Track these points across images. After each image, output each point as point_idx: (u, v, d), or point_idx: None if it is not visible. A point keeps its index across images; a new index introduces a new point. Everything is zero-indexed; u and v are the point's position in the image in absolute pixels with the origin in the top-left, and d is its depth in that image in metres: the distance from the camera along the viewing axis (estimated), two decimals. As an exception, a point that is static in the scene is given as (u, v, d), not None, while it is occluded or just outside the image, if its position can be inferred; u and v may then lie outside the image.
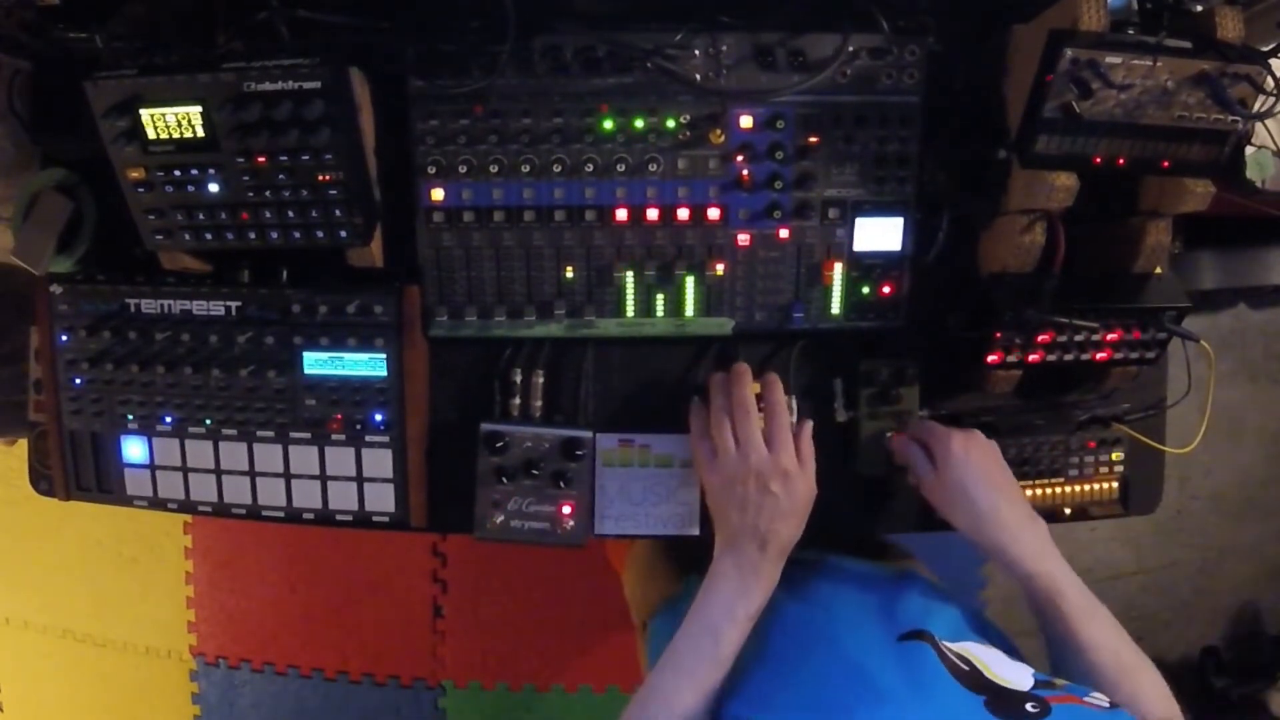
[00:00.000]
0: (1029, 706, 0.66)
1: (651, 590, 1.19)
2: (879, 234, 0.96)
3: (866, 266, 0.97)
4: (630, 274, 0.96)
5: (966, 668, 0.72)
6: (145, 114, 0.84)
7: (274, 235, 0.90)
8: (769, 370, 0.94)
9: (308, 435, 0.98)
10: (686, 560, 1.13)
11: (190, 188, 0.87)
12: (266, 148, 0.85)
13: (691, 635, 0.81)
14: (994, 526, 0.85)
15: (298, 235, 0.90)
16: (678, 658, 0.80)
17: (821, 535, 0.90)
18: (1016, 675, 0.72)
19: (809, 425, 0.88)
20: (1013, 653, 0.82)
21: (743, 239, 0.95)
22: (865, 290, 0.98)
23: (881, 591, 0.89)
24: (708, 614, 0.81)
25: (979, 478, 0.87)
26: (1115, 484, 1.05)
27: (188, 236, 0.91)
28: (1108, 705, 0.70)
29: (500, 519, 0.97)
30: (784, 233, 0.95)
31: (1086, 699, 0.70)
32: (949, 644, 0.75)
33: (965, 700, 0.68)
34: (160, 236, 0.92)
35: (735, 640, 0.80)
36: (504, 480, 0.97)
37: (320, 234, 0.90)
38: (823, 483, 1.01)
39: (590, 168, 0.93)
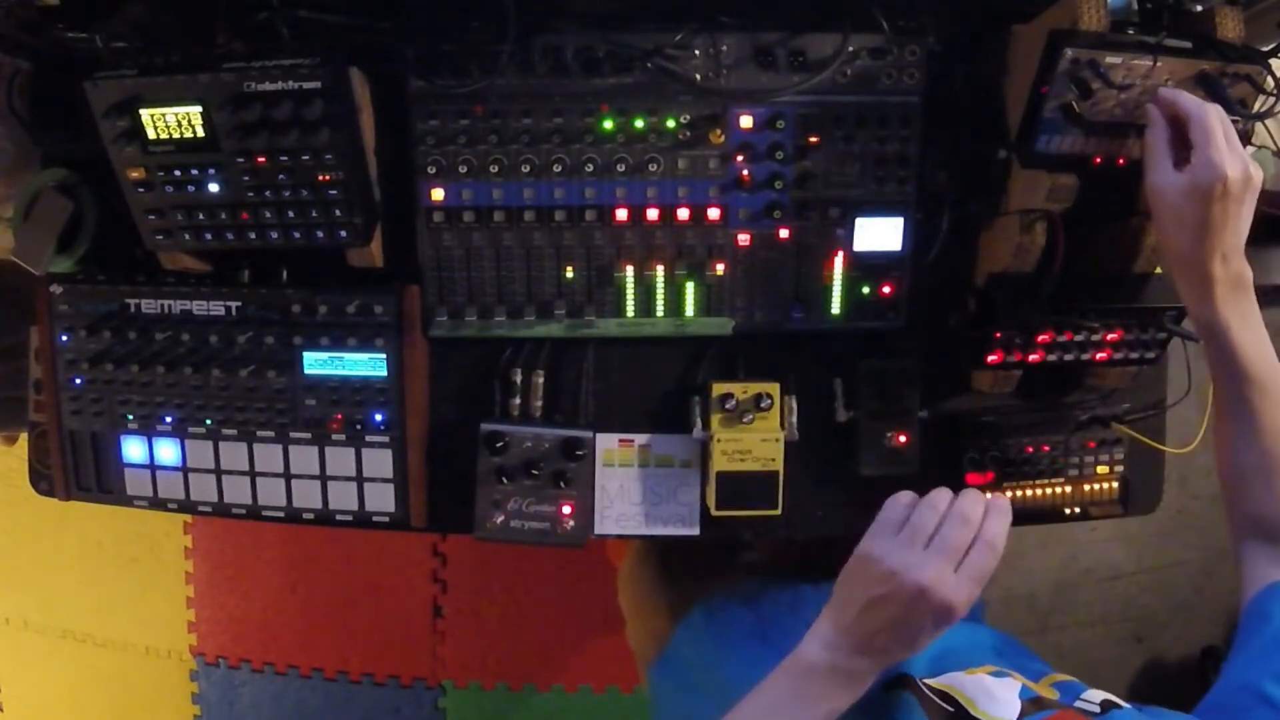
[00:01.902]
0: None
1: (643, 630, 1.17)
2: (879, 234, 0.96)
3: (866, 266, 0.97)
4: (630, 274, 0.96)
5: (951, 709, 0.69)
6: (145, 114, 0.84)
7: (274, 235, 0.90)
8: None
9: (308, 435, 0.98)
10: (676, 593, 1.12)
11: (190, 188, 0.87)
12: (266, 148, 0.85)
13: None
14: (1202, 266, 0.74)
15: (298, 235, 0.90)
16: None
17: (820, 540, 0.89)
18: (1002, 703, 0.69)
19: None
20: (1005, 652, 0.81)
21: (743, 239, 0.95)
22: (865, 290, 0.97)
23: None
24: (777, 709, 0.69)
25: (1231, 213, 0.73)
26: (1115, 484, 1.05)
27: (188, 236, 0.91)
28: (1098, 708, 0.69)
29: (500, 519, 0.97)
30: (784, 233, 0.95)
31: (1076, 704, 0.70)
32: (932, 682, 0.72)
33: None
34: (160, 236, 0.92)
35: None
36: (504, 480, 0.96)
37: (320, 234, 0.90)
38: (823, 483, 1.02)
39: (590, 168, 0.93)
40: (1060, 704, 0.70)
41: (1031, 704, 0.69)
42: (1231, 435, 0.78)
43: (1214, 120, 0.75)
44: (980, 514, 0.69)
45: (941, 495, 0.70)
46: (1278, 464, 0.75)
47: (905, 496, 0.72)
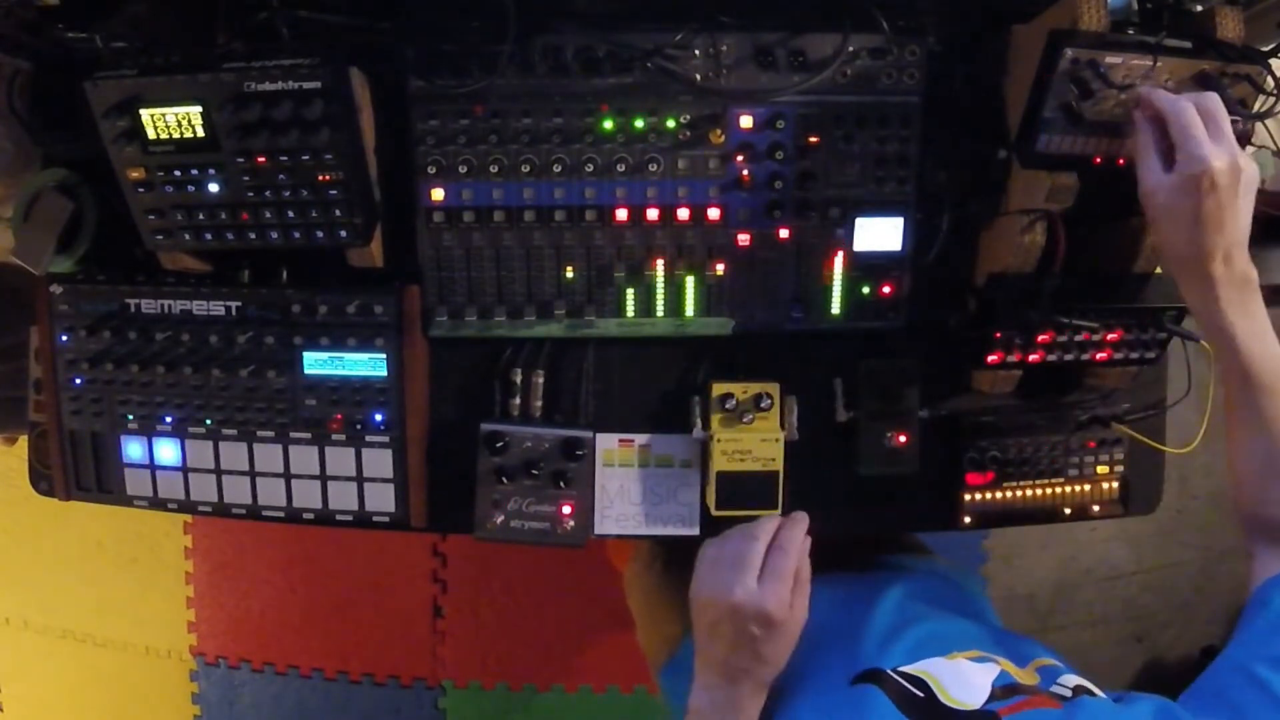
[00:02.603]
0: None
1: (654, 636, 1.17)
2: (879, 234, 0.96)
3: (866, 266, 0.97)
4: (630, 274, 0.96)
5: (921, 695, 0.69)
6: (145, 114, 0.84)
7: (274, 235, 0.90)
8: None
9: (308, 435, 0.98)
10: (686, 596, 1.12)
11: (190, 188, 0.87)
12: (266, 148, 0.85)
13: None
14: (1203, 267, 0.74)
15: (298, 235, 0.90)
16: None
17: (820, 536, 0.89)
18: (974, 689, 0.69)
19: (806, 545, 0.79)
20: (1002, 641, 0.80)
21: (743, 239, 0.95)
22: (865, 290, 0.97)
23: (847, 624, 0.84)
24: None
25: (1226, 207, 0.72)
26: (1115, 484, 1.05)
27: (188, 236, 0.91)
28: (1070, 692, 0.69)
29: (500, 519, 0.97)
30: (784, 233, 0.95)
31: (1052, 690, 0.69)
32: (906, 669, 0.73)
33: None
34: (160, 236, 0.92)
35: None
36: (504, 480, 0.96)
37: (320, 234, 0.90)
38: (823, 483, 1.01)
39: (590, 168, 0.93)
40: (1034, 689, 0.70)
41: (1004, 690, 0.69)
42: (1240, 437, 0.78)
43: (1190, 115, 0.74)
44: (773, 527, 0.78)
45: (736, 528, 0.80)
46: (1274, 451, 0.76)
47: (711, 541, 0.81)
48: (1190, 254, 0.75)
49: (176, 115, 0.84)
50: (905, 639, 0.80)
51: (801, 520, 0.80)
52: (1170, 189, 0.74)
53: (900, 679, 0.72)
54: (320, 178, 0.86)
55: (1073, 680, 0.71)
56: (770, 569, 0.75)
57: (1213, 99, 0.76)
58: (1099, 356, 0.96)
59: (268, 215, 0.89)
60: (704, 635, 0.77)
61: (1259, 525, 0.78)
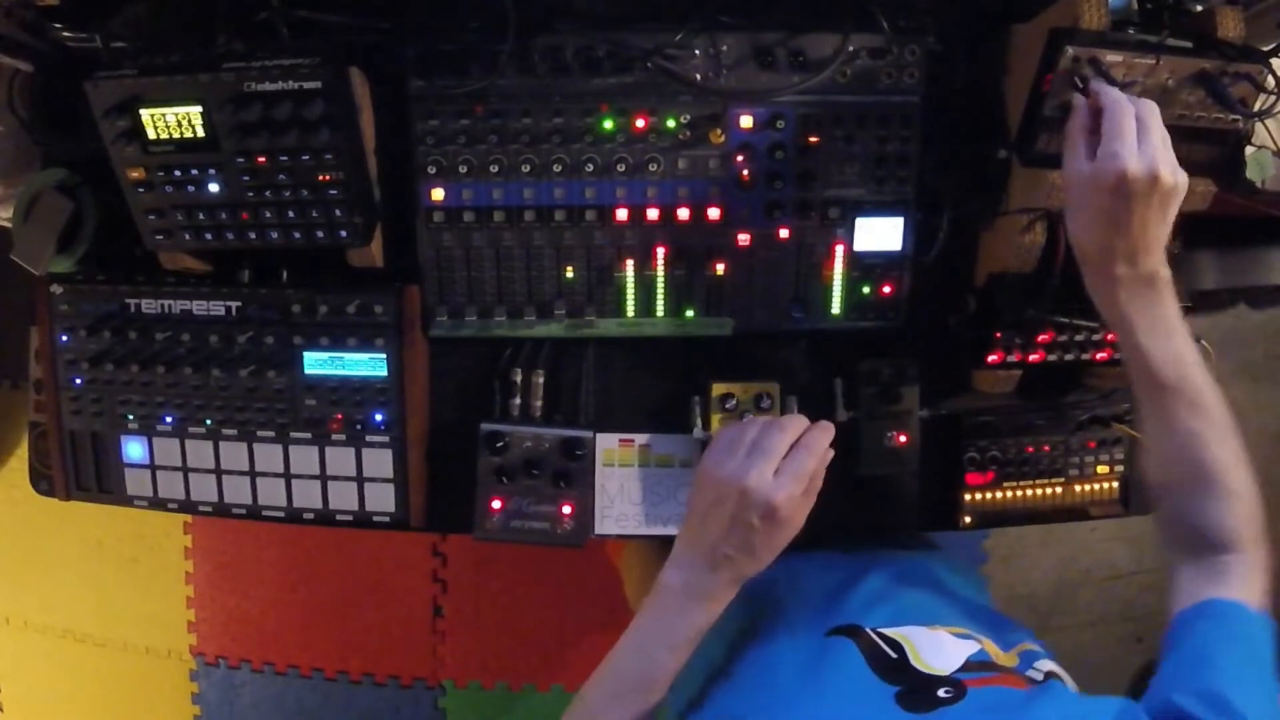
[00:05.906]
0: (941, 692, 0.63)
1: (640, 590, 1.19)
2: (879, 234, 0.96)
3: (866, 266, 0.97)
4: (630, 274, 0.96)
5: (894, 655, 0.69)
6: (145, 114, 0.84)
7: (274, 235, 0.90)
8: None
9: (308, 435, 0.98)
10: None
11: (190, 188, 0.87)
12: (266, 148, 0.85)
13: (624, 656, 0.74)
14: (1104, 262, 0.74)
15: (298, 235, 0.90)
16: (607, 679, 0.74)
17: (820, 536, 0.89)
18: (948, 657, 0.69)
19: (829, 456, 0.75)
20: (988, 626, 0.79)
21: (743, 239, 0.95)
22: (865, 290, 0.97)
23: (836, 584, 0.84)
24: (644, 634, 0.74)
25: (1136, 212, 0.71)
26: (1115, 484, 1.05)
27: (188, 236, 0.91)
28: (1041, 677, 0.68)
29: (500, 519, 0.97)
30: (784, 233, 0.95)
31: (1026, 673, 0.69)
32: (886, 630, 0.72)
33: (873, 693, 0.65)
34: (160, 236, 0.92)
35: (670, 667, 0.73)
36: (504, 480, 0.96)
37: (320, 234, 0.90)
38: (823, 482, 1.02)
39: (590, 168, 0.93)
40: (1009, 670, 0.70)
41: (978, 664, 0.69)
42: (1153, 442, 0.77)
43: (1126, 115, 0.73)
44: (799, 426, 0.75)
45: (760, 417, 0.77)
46: (1200, 474, 0.74)
47: (732, 423, 0.78)
48: (1095, 249, 0.75)
49: (176, 115, 0.84)
50: (891, 603, 0.80)
51: (829, 428, 0.76)
52: (1084, 180, 0.74)
53: (877, 638, 0.72)
54: (320, 178, 0.86)
55: (1047, 666, 0.71)
56: (790, 465, 0.72)
57: (1149, 108, 0.74)
58: (1099, 356, 0.96)
59: (268, 215, 0.89)
60: (698, 514, 0.74)
61: (1175, 536, 0.76)
